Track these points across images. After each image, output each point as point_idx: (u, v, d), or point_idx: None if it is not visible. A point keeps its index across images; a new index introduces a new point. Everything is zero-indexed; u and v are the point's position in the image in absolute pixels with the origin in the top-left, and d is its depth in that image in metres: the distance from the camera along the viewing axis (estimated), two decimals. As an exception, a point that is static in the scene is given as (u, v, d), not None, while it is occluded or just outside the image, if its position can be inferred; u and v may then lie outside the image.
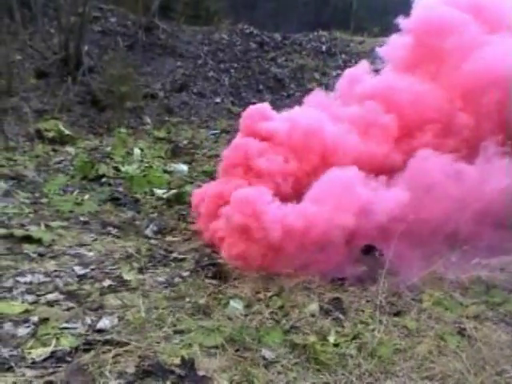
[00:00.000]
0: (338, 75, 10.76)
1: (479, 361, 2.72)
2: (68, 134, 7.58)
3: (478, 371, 2.62)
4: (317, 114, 4.84)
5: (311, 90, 10.53)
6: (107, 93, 9.28)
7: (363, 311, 3.34)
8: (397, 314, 3.32)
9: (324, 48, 12.93)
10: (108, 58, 10.26)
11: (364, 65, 5.68)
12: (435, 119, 4.79)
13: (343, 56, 12.69)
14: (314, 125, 4.59)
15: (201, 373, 2.62)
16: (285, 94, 11.11)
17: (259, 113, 4.89)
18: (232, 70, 11.50)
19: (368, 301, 3.46)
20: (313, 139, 4.53)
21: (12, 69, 8.83)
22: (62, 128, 7.59)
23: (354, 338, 3.03)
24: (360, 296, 3.53)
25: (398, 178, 4.17)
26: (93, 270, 3.75)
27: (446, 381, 2.61)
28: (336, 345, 2.96)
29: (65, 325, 2.98)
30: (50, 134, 7.41)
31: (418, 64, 5.25)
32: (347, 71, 5.87)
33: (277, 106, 5.13)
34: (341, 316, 3.27)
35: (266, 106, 4.98)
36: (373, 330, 3.09)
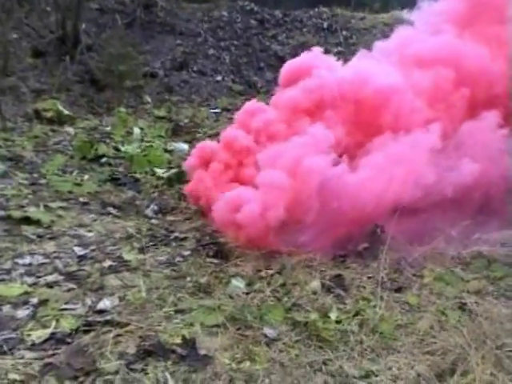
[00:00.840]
0: (340, 52, 10.75)
1: (480, 335, 2.72)
2: (67, 114, 7.52)
3: (479, 345, 2.62)
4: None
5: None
6: (106, 72, 9.21)
7: (365, 288, 3.33)
8: (398, 290, 3.32)
9: (325, 25, 12.81)
10: (106, 37, 10.16)
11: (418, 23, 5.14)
12: (501, 95, 4.44)
13: (344, 33, 12.57)
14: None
15: (202, 352, 2.61)
16: (286, 71, 11.03)
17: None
18: (232, 48, 11.41)
19: (369, 277, 3.45)
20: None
21: (8, 48, 8.75)
22: (61, 108, 7.53)
23: (356, 314, 3.02)
24: (361, 273, 3.52)
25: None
26: (93, 250, 3.73)
27: (447, 355, 2.60)
28: (338, 321, 2.95)
29: (65, 306, 2.98)
30: (49, 114, 7.35)
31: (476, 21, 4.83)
32: (396, 31, 5.23)
33: (278, 84, 5.08)
34: (342, 293, 3.26)
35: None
36: (374, 307, 3.09)
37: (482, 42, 4.57)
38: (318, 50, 5.12)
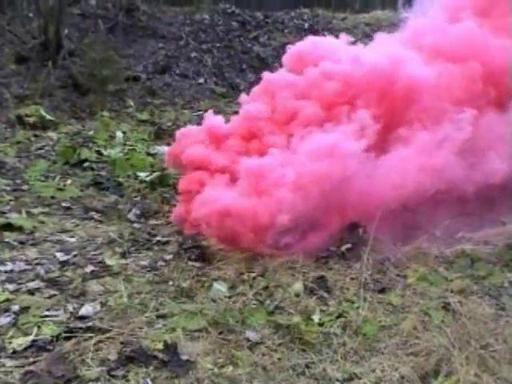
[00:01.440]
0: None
1: (464, 335, 2.72)
2: (50, 119, 7.46)
3: (463, 346, 2.62)
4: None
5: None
6: (89, 76, 9.14)
7: (348, 289, 3.33)
8: (381, 291, 3.31)
9: (306, 25, 12.78)
10: (88, 41, 10.10)
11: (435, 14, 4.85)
12: None
13: (326, 33, 12.57)
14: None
15: (184, 357, 2.60)
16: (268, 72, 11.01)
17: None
18: (214, 50, 11.38)
19: (352, 278, 3.45)
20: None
21: (-9, 54, 8.71)
22: (44, 113, 7.47)
23: (339, 316, 3.02)
24: (345, 274, 3.51)
25: None
26: (75, 256, 3.70)
27: (431, 356, 2.60)
28: (321, 324, 2.95)
29: (46, 313, 2.96)
30: (32, 120, 7.29)
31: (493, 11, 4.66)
32: (410, 21, 4.97)
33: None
34: (325, 294, 3.25)
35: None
36: (357, 308, 3.09)
37: (501, 33, 4.45)
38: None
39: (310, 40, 5.08)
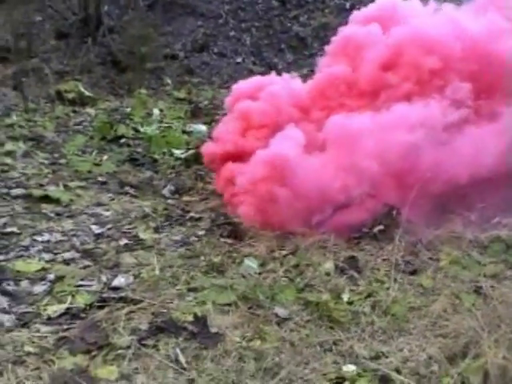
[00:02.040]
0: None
1: (494, 319, 2.70)
2: (88, 96, 7.56)
3: (493, 329, 2.60)
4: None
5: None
6: (127, 54, 9.22)
7: (379, 270, 3.33)
8: (413, 273, 3.30)
9: (348, 5, 12.61)
10: (128, 18, 10.15)
11: None
12: None
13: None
14: None
15: (213, 329, 2.64)
16: (307, 53, 10.91)
17: None
18: (253, 29, 11.33)
19: (384, 259, 3.44)
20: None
21: (32, 30, 8.80)
22: (83, 89, 7.57)
23: (369, 296, 3.02)
24: (376, 255, 3.50)
25: None
26: (109, 229, 3.77)
27: (460, 338, 2.59)
28: (350, 303, 2.96)
29: (80, 282, 3.03)
30: (70, 96, 7.39)
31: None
32: None
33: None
34: (356, 274, 3.25)
35: None
36: (388, 289, 3.08)
37: None
38: None
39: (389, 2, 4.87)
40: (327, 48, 4.84)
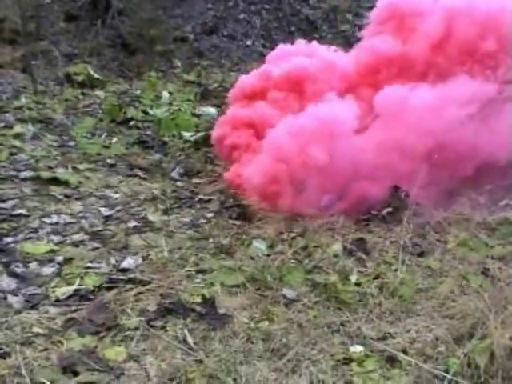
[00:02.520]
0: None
1: (501, 300, 2.68)
2: (97, 78, 7.57)
3: (500, 310, 2.58)
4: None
5: (344, 31, 10.34)
6: (137, 36, 9.21)
7: (387, 252, 3.33)
8: (420, 255, 3.31)
9: (358, -12, 12.58)
10: (137, 1, 10.13)
11: None
12: None
13: None
14: None
15: (221, 311, 2.65)
16: (317, 36, 10.83)
17: None
18: (263, 12, 11.26)
19: (392, 241, 3.44)
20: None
21: (41, 12, 8.80)
22: (92, 72, 7.58)
23: (376, 277, 3.03)
24: (384, 237, 3.51)
25: None
26: (118, 211, 3.79)
27: (467, 320, 2.59)
28: (357, 284, 2.97)
29: (89, 264, 3.05)
30: (80, 78, 7.41)
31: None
32: None
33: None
34: (364, 256, 3.26)
35: None
36: (395, 270, 3.09)
37: None
38: None
39: None
40: (372, 15, 4.77)
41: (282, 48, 4.95)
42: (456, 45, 4.16)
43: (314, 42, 4.87)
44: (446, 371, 2.30)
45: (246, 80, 4.79)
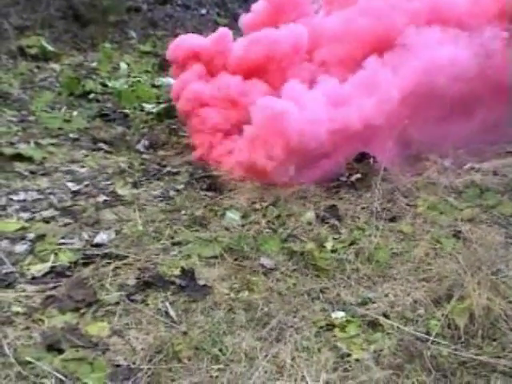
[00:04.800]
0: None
1: (475, 262, 2.74)
2: (51, 51, 7.36)
3: (475, 272, 2.64)
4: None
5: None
6: (89, 7, 8.97)
7: (359, 218, 3.36)
8: (392, 220, 3.34)
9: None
10: (88, -30, 9.89)
11: None
12: None
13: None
14: None
15: (201, 282, 2.66)
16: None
17: None
18: (217, -20, 11.15)
19: (363, 208, 3.47)
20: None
21: (-11, -16, 8.52)
22: (45, 44, 7.37)
23: (351, 243, 3.06)
24: (355, 203, 3.53)
25: None
26: (86, 185, 3.72)
27: (443, 282, 2.64)
28: (333, 251, 2.99)
29: (62, 240, 2.99)
30: (33, 51, 7.20)
31: None
32: None
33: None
34: (337, 223, 3.28)
35: None
36: (369, 236, 3.12)
37: None
38: None
39: None
40: None
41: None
42: None
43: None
44: (428, 333, 2.35)
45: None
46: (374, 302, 2.57)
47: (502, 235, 3.16)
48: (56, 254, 2.86)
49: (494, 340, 2.30)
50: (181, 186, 3.76)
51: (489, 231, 3.20)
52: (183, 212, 3.37)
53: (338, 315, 2.47)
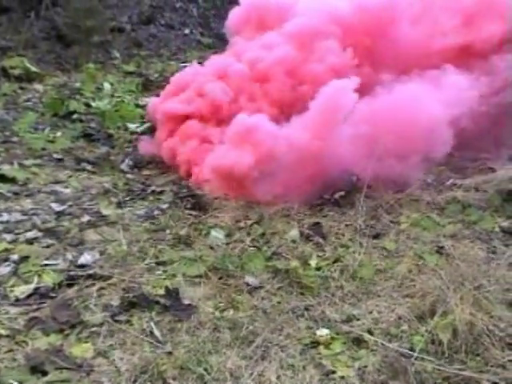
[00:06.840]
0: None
1: (458, 277, 2.76)
2: (35, 71, 7.36)
3: (457, 287, 2.66)
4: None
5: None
6: (73, 27, 8.98)
7: (343, 235, 3.38)
8: (376, 237, 3.37)
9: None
10: (71, -9, 9.92)
11: None
12: None
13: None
14: None
15: (186, 301, 2.66)
16: (254, 22, 10.86)
17: None
18: (200, 0, 11.21)
19: (347, 225, 3.50)
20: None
21: (-29, 5, 8.52)
22: (28, 65, 7.38)
23: (335, 261, 3.08)
24: (339, 220, 3.56)
25: None
26: (70, 206, 3.71)
27: (427, 298, 2.66)
28: (318, 268, 3.01)
29: (46, 262, 2.99)
30: (16, 72, 7.19)
31: None
32: None
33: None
34: (321, 240, 3.30)
35: None
36: (353, 253, 3.14)
37: None
38: None
39: None
40: None
41: None
42: None
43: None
44: (412, 349, 2.36)
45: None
46: (358, 319, 2.59)
47: (484, 250, 3.20)
48: (40, 275, 2.85)
49: (478, 355, 2.32)
50: (165, 206, 3.76)
51: (471, 247, 3.24)
52: (168, 231, 3.38)
53: (323, 332, 2.48)
